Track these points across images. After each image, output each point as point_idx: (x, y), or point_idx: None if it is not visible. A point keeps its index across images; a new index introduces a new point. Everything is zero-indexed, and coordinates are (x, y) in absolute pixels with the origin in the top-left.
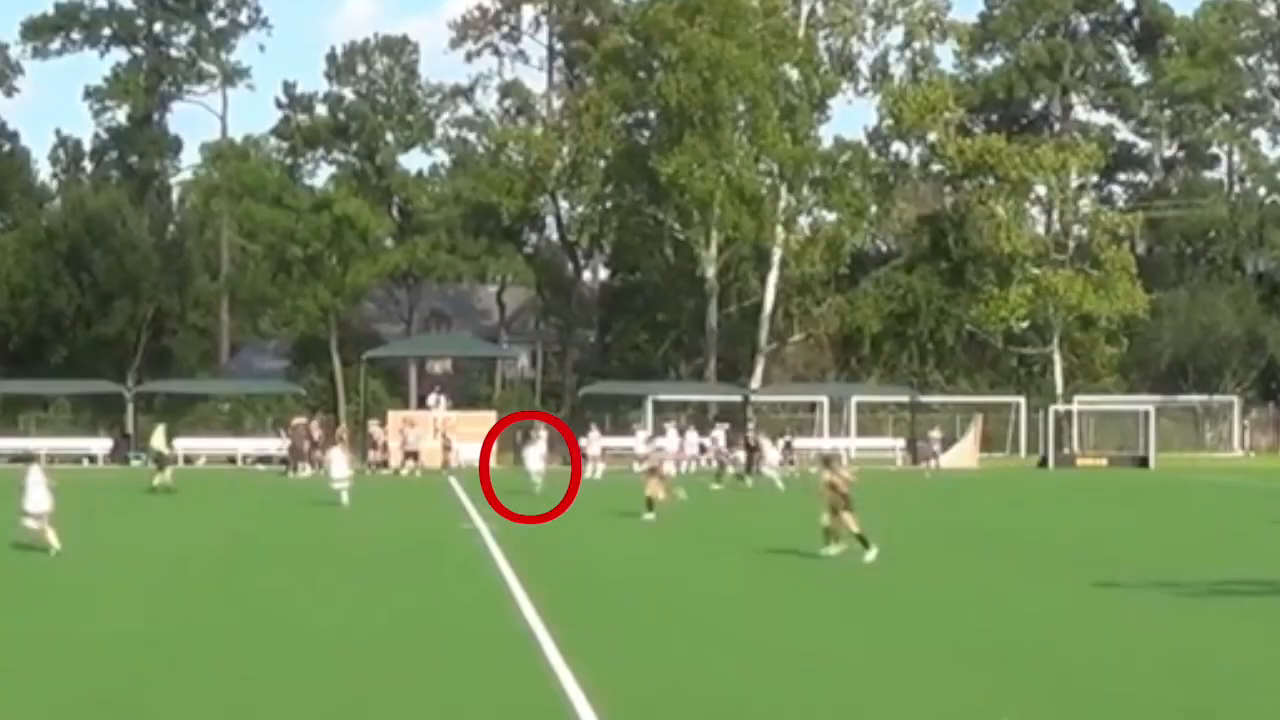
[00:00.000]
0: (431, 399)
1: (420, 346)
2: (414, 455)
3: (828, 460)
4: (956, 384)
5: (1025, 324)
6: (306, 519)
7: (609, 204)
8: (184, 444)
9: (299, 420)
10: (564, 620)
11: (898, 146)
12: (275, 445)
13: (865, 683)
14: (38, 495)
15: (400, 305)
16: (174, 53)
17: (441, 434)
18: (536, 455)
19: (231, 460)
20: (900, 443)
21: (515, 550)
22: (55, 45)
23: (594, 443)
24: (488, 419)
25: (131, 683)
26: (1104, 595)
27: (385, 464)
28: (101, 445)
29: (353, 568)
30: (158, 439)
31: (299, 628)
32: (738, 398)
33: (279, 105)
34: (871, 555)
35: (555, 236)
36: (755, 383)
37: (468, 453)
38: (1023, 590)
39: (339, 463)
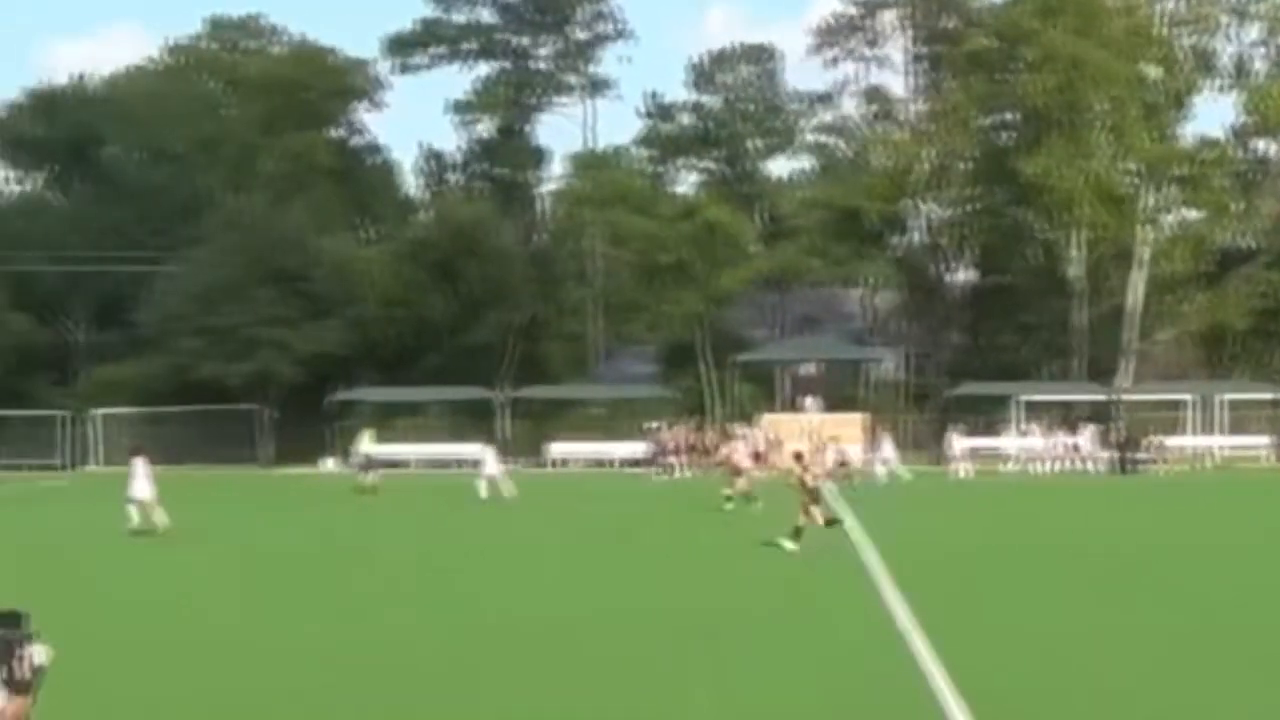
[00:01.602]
0: (809, 402)
1: (789, 350)
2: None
3: (799, 457)
4: None
5: None
6: (671, 520)
7: (973, 206)
8: (558, 449)
9: (653, 424)
10: (929, 613)
11: (1261, 143)
12: (643, 449)
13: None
14: (140, 485)
15: (769, 309)
16: (538, 65)
17: (811, 437)
18: None
19: (602, 464)
20: (1268, 440)
21: (883, 546)
22: (419, 60)
23: (956, 443)
24: (856, 421)
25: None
26: None
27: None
28: (473, 451)
29: (713, 558)
30: (367, 442)
31: (658, 620)
32: (1105, 397)
33: (643, 115)
34: (793, 547)
35: (920, 239)
36: (1125, 381)
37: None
38: None
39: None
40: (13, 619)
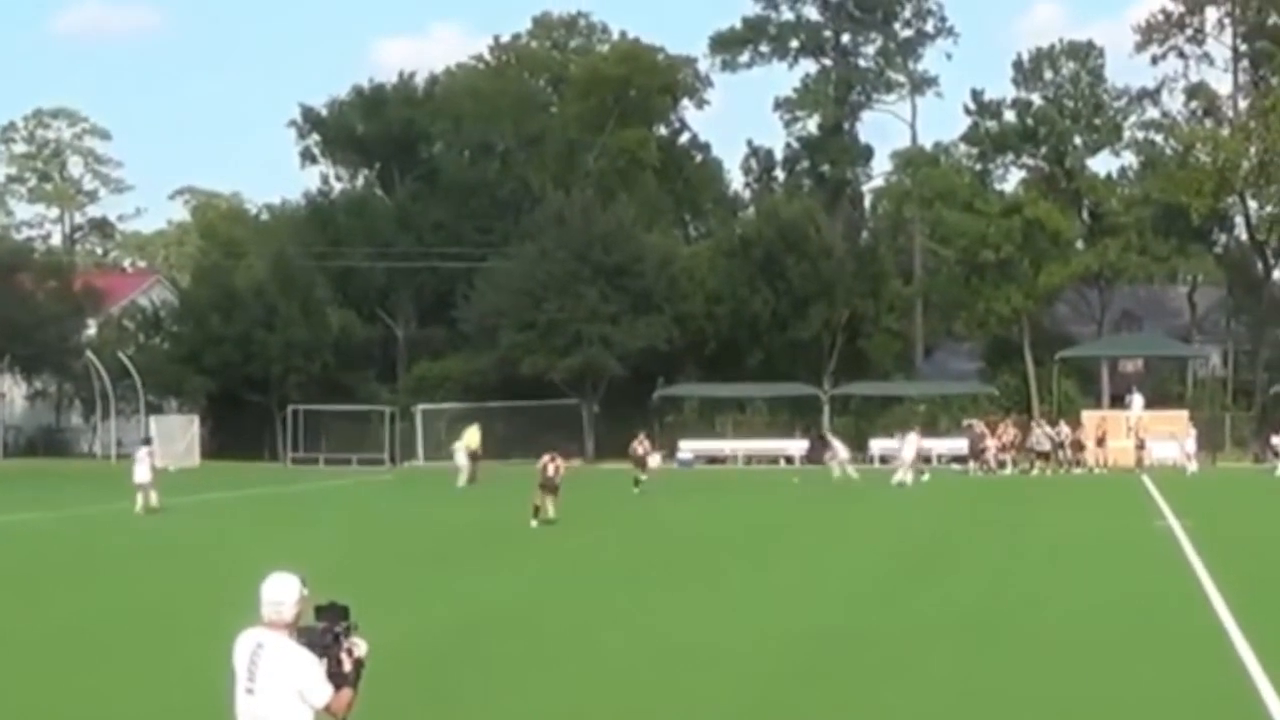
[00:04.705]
0: (1136, 399)
1: (1112, 346)
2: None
3: (553, 456)
4: None
5: None
6: (985, 514)
7: None
8: (880, 445)
9: (970, 421)
10: (1257, 619)
11: None
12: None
13: None
14: (141, 469)
15: (1091, 306)
16: (862, 63)
17: (1134, 433)
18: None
19: (926, 460)
20: None
21: (1209, 547)
22: (744, 58)
23: None
24: (1181, 418)
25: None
26: None
27: (1078, 462)
28: (798, 446)
29: (1041, 561)
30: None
31: (993, 622)
32: None
33: (967, 112)
34: (534, 524)
35: (1244, 236)
36: None
37: (1160, 451)
38: None
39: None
40: (339, 612)
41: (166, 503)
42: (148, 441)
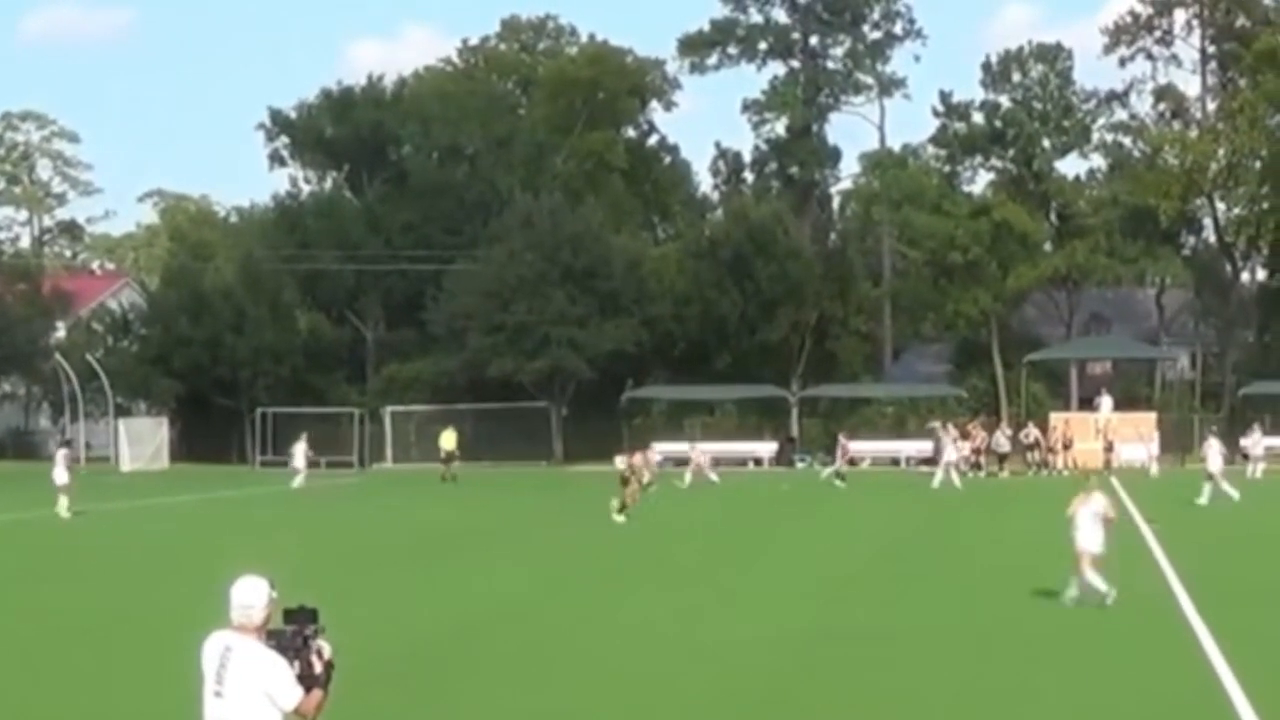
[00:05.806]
0: (1105, 401)
1: (1080, 349)
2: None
3: (635, 452)
4: None
5: None
6: (949, 521)
7: (1266, 205)
8: (850, 447)
9: (934, 424)
10: (1223, 619)
11: None
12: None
13: None
14: (59, 471)
15: (1060, 308)
16: (830, 65)
17: (1103, 435)
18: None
19: (895, 462)
20: None
21: (1178, 551)
22: (712, 60)
23: (1257, 444)
24: (1148, 420)
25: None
26: None
27: (1046, 464)
28: (767, 449)
29: (1022, 562)
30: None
31: (956, 623)
32: None
33: (936, 114)
34: (619, 518)
35: (1213, 238)
36: None
37: (1128, 453)
38: None
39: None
40: (307, 615)
41: (138, 505)
42: (67, 444)
